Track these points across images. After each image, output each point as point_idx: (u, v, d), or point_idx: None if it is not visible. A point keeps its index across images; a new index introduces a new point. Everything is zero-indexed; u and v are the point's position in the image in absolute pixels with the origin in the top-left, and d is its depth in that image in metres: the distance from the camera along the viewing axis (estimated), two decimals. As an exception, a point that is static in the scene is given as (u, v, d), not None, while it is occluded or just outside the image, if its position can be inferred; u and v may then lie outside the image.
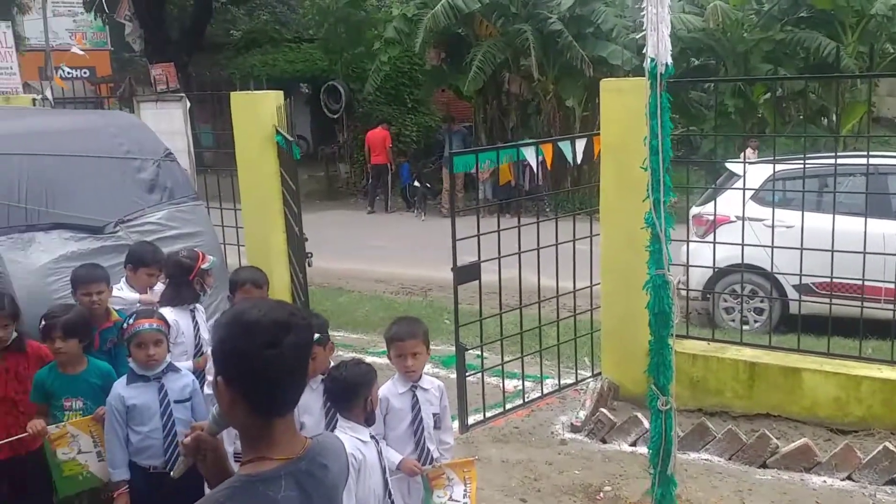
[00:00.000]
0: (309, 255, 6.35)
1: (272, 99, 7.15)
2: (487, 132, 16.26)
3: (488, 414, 5.63)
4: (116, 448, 3.57)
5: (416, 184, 16.52)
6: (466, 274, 5.19)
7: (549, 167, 5.81)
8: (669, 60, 3.20)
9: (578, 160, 5.57)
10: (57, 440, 3.55)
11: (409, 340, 3.52)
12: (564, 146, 5.43)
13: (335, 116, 18.49)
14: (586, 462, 5.14)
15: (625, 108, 5.39)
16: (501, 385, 5.81)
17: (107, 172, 5.41)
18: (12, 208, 4.79)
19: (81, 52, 11.14)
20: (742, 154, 11.14)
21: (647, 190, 3.34)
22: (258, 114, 7.07)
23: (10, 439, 3.64)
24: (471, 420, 5.56)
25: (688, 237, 7.39)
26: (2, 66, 9.57)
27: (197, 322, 4.35)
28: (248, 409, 1.64)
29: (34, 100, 9.21)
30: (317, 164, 19.25)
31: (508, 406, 5.80)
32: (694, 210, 8.01)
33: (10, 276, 4.48)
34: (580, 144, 5.46)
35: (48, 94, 9.26)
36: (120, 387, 3.61)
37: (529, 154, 5.21)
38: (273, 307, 1.68)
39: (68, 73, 17.18)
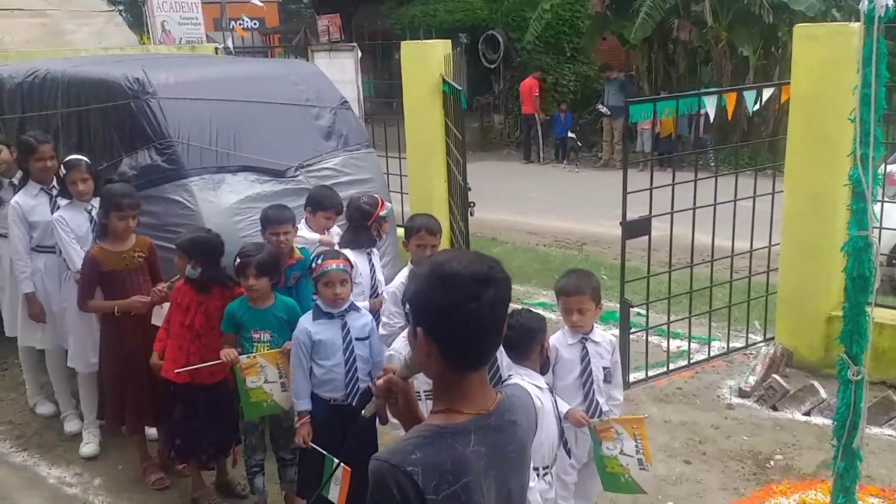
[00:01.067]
0: (472, 204, 6.39)
1: (440, 48, 7.19)
2: (651, 81, 15.63)
3: (650, 373, 5.52)
4: (301, 379, 3.77)
5: (571, 134, 16.20)
6: (635, 229, 5.06)
7: (729, 117, 5.49)
8: (890, 2, 2.91)
9: (756, 108, 5.22)
10: (247, 369, 3.80)
11: (575, 296, 3.48)
12: (749, 95, 5.11)
13: (493, 66, 18.37)
14: (755, 429, 4.95)
15: (818, 56, 5.01)
16: (666, 344, 5.67)
17: (289, 119, 5.64)
18: (204, 150, 5.09)
19: (260, 4, 11.61)
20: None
21: (855, 144, 3.08)
22: (426, 63, 7.13)
23: (208, 364, 3.93)
24: (632, 378, 5.48)
25: (882, 198, 6.81)
26: (188, 17, 10.17)
27: (373, 265, 4.50)
28: (442, 362, 1.65)
29: (216, 48, 9.73)
30: (472, 115, 19.25)
31: (672, 367, 5.66)
32: (891, 167, 7.35)
33: (202, 214, 4.81)
34: (766, 94, 5.12)
35: (229, 43, 9.76)
36: (306, 322, 3.80)
37: (710, 103, 4.95)
38: (472, 260, 1.66)
39: (246, 23, 18.01)
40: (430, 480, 1.54)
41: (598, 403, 3.48)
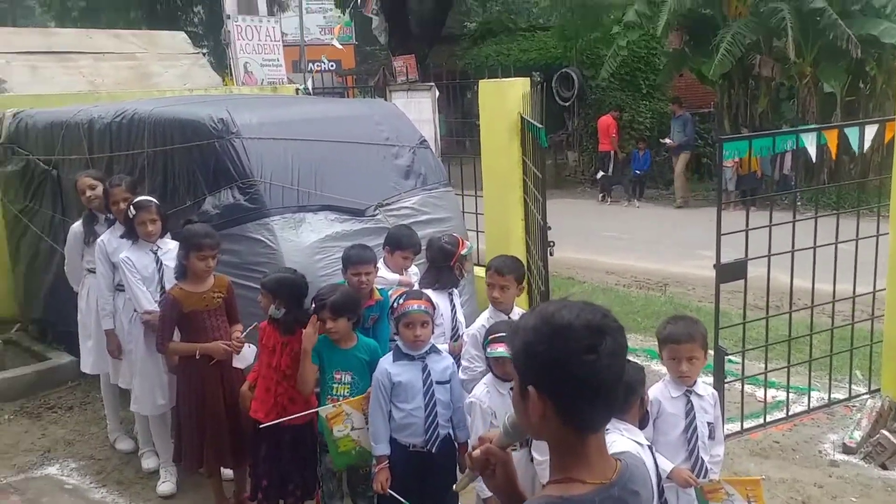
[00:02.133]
0: (551, 244, 6.23)
1: (519, 86, 7.09)
2: (731, 118, 15.23)
3: (746, 425, 5.20)
4: (380, 422, 3.66)
5: (637, 172, 16.00)
6: (730, 272, 4.80)
7: (833, 157, 5.21)
8: None
9: (865, 148, 4.94)
10: (333, 418, 3.71)
11: (686, 343, 3.28)
12: (851, 133, 4.83)
13: (567, 104, 18.25)
14: (864, 489, 4.58)
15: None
16: (762, 395, 5.34)
17: (368, 158, 5.62)
18: (286, 189, 5.09)
19: (340, 47, 11.82)
20: None
21: None
22: (505, 101, 7.03)
23: (303, 414, 3.87)
24: (726, 430, 5.15)
25: None
26: (270, 59, 10.39)
27: (454, 305, 4.38)
28: (560, 423, 1.51)
29: (297, 89, 9.90)
30: (545, 152, 19.15)
31: (768, 418, 5.32)
32: None
33: (282, 254, 4.78)
34: (870, 131, 4.83)
35: (308, 84, 9.90)
36: (386, 363, 3.71)
37: (809, 141, 4.69)
38: (583, 308, 1.52)
39: (325, 65, 18.42)
40: None
41: (702, 461, 3.26)
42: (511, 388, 3.50)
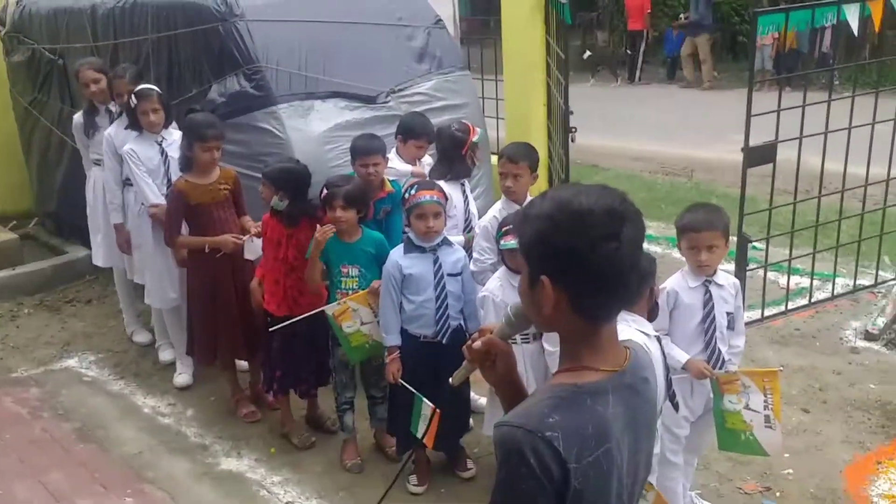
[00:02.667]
0: (573, 129, 5.99)
1: (544, -42, 6.66)
2: (770, -9, 14.38)
3: (767, 313, 5.09)
4: (391, 314, 3.62)
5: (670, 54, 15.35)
6: (759, 156, 4.57)
7: (877, 29, 4.84)
8: None
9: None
10: (340, 315, 3.66)
11: (706, 232, 3.12)
12: (898, 3, 4.45)
13: (596, -21, 17.39)
14: (884, 376, 4.51)
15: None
16: (784, 282, 5.21)
17: (379, 40, 5.35)
18: (293, 75, 4.89)
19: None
20: None
21: None
22: (527, -25, 6.63)
23: (310, 314, 3.80)
24: (746, 318, 5.06)
25: None
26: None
27: (467, 196, 4.24)
28: (574, 314, 1.40)
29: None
30: (573, 32, 18.40)
31: (790, 305, 5.21)
32: None
33: (291, 143, 4.64)
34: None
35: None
36: (397, 255, 3.63)
37: (852, 13, 4.33)
38: (601, 193, 1.39)
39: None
40: (571, 447, 1.31)
41: (720, 352, 3.17)
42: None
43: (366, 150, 4.04)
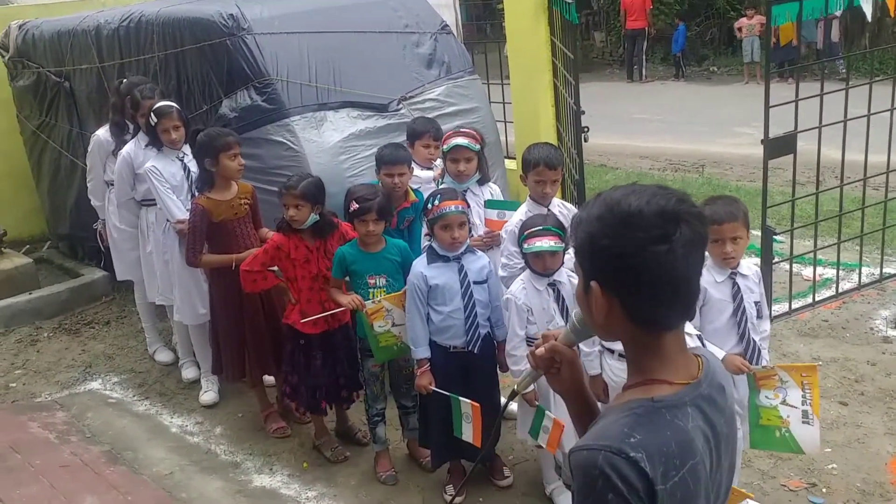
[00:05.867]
0: (585, 129, 5.95)
1: (543, -40, 6.63)
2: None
3: (794, 305, 5.04)
4: (418, 326, 3.56)
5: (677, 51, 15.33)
6: (778, 147, 4.52)
7: (891, 14, 4.79)
8: None
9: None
10: (373, 314, 3.61)
11: (728, 223, 3.08)
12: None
13: (591, -20, 17.39)
14: (919, 365, 4.44)
15: None
16: (811, 273, 5.16)
17: (387, 48, 5.32)
18: (304, 87, 4.85)
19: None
20: None
21: None
22: (530, -22, 6.60)
23: (329, 312, 3.77)
24: (773, 311, 5.01)
25: None
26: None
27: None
28: (628, 320, 1.34)
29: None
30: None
31: (817, 297, 5.15)
32: None
33: (306, 155, 4.60)
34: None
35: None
36: (421, 266, 3.57)
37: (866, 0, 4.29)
38: (655, 193, 1.32)
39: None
40: (657, 466, 1.23)
41: (754, 343, 3.12)
42: (549, 284, 3.38)
43: (392, 159, 4.01)
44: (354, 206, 3.60)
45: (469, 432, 3.34)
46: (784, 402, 3.00)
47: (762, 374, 3.03)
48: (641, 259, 1.29)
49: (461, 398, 3.34)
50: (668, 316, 1.36)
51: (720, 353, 3.06)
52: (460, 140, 3.94)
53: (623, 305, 1.33)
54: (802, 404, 2.97)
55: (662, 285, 1.31)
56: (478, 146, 4.04)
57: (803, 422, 3.01)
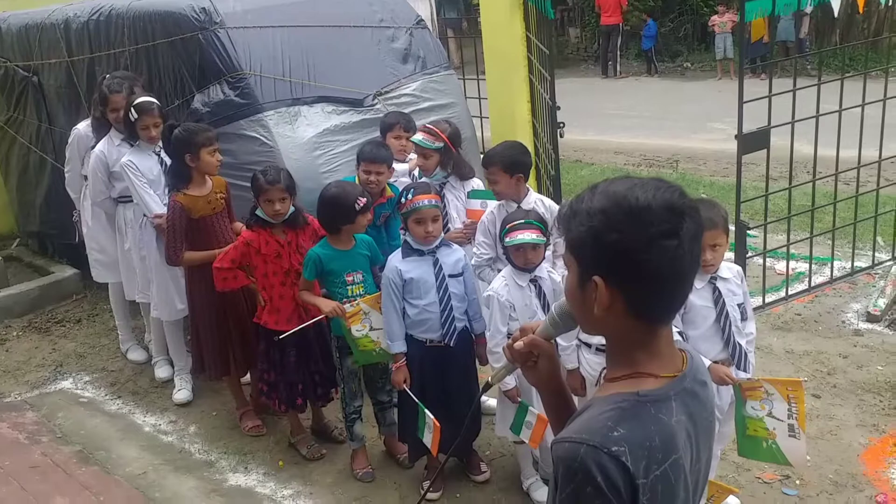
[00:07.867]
0: (561, 125, 5.96)
1: (518, -45, 6.61)
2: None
3: (767, 299, 5.09)
4: (394, 320, 3.54)
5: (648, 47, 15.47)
6: (752, 142, 4.56)
7: (860, 10, 4.85)
8: None
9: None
10: (351, 318, 3.58)
11: (709, 231, 2.96)
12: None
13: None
14: (891, 357, 4.51)
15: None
16: (783, 267, 5.21)
17: (362, 42, 5.29)
18: (278, 82, 4.80)
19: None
20: None
21: None
22: (505, -27, 6.58)
23: (309, 323, 3.72)
24: (746, 305, 5.06)
25: None
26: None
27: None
28: (629, 315, 1.33)
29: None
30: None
31: (790, 291, 5.20)
32: None
33: (280, 151, 4.55)
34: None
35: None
36: (396, 260, 3.55)
37: (836, -3, 4.34)
38: (658, 186, 1.31)
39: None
40: (639, 461, 1.23)
41: (740, 347, 3.08)
42: (530, 280, 3.37)
43: (372, 157, 3.99)
44: (359, 204, 3.55)
45: (429, 440, 3.35)
46: (770, 415, 2.98)
47: (748, 386, 3.01)
48: (651, 254, 1.28)
49: (427, 412, 3.33)
50: (668, 309, 1.37)
51: (706, 363, 3.05)
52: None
53: (626, 299, 1.32)
54: (788, 418, 2.95)
55: (668, 279, 1.31)
56: (436, 144, 4.05)
57: (790, 435, 2.98)
